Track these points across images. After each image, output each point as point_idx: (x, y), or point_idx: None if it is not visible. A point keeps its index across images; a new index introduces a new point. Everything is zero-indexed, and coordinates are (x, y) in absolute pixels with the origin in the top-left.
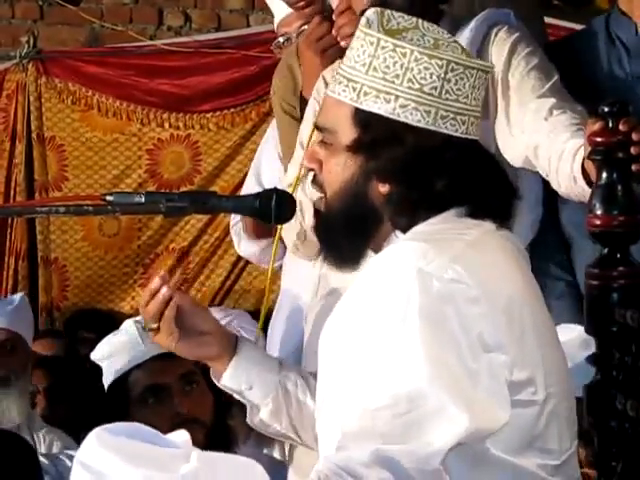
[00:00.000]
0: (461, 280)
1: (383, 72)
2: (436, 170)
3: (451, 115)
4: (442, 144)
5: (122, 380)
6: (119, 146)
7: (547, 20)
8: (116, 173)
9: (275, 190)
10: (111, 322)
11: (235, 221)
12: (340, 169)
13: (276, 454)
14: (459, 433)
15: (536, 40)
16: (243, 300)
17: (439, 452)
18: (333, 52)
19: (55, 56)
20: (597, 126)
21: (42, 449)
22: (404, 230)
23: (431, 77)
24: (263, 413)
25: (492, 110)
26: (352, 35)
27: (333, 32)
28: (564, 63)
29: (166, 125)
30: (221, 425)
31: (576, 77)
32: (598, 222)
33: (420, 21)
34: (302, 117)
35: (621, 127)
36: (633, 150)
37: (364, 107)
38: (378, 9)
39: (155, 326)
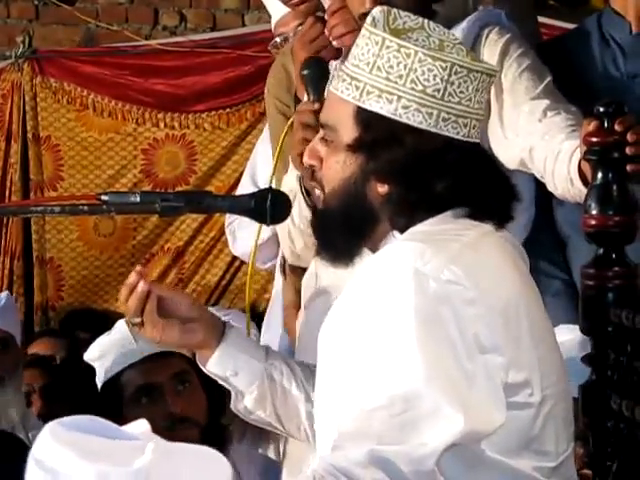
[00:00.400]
0: (458, 281)
1: (387, 72)
2: (436, 172)
3: (453, 118)
4: (443, 146)
5: (115, 380)
6: (114, 146)
7: (543, 20)
8: (111, 173)
9: (270, 190)
10: (106, 322)
11: (230, 220)
12: (340, 167)
13: (271, 454)
14: (454, 434)
15: (530, 40)
16: (239, 300)
17: (434, 453)
18: (326, 53)
19: (50, 56)
20: (592, 126)
21: None
22: (402, 230)
23: (434, 79)
24: (247, 400)
25: (485, 112)
26: (344, 35)
27: (326, 32)
28: (557, 64)
29: (161, 125)
30: (215, 424)
31: (570, 78)
32: (593, 222)
33: (426, 21)
34: None
35: (617, 127)
36: (628, 150)
37: (366, 106)
38: (385, 8)
39: (138, 320)
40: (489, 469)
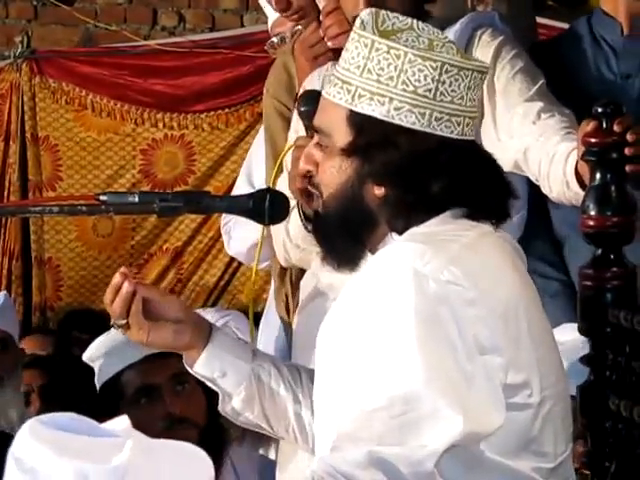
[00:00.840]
0: (457, 282)
1: (377, 74)
2: (431, 172)
3: (446, 117)
4: (437, 146)
5: (114, 380)
6: (113, 146)
7: (542, 21)
8: (110, 173)
9: (268, 190)
10: (105, 322)
11: (226, 220)
12: (335, 172)
13: (271, 455)
14: (453, 435)
15: (527, 34)
16: (237, 300)
17: (433, 454)
18: (324, 59)
19: (49, 56)
20: (591, 127)
21: None
22: (400, 232)
23: (425, 79)
24: (235, 401)
25: (478, 110)
26: (339, 36)
27: (320, 32)
28: (549, 67)
29: (160, 125)
30: (214, 425)
31: (563, 81)
32: (592, 223)
33: (415, 22)
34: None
35: (615, 128)
36: (627, 151)
37: (359, 110)
38: (373, 10)
39: (124, 322)
40: (488, 470)
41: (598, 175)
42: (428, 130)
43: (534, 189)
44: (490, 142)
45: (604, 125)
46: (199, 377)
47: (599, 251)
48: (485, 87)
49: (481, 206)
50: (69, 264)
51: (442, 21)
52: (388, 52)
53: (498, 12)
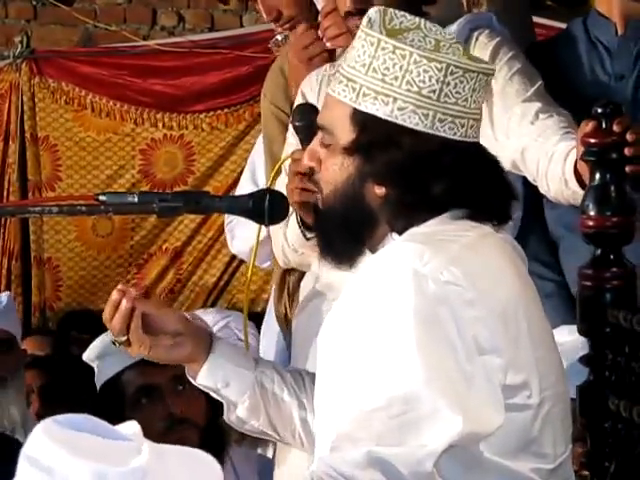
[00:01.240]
0: (457, 282)
1: (382, 74)
2: (433, 173)
3: (449, 118)
4: (439, 148)
5: (114, 381)
6: (112, 146)
7: (540, 21)
8: (109, 173)
9: (268, 190)
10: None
11: (230, 219)
12: (337, 169)
13: (269, 454)
14: (453, 436)
15: (525, 40)
16: (236, 300)
17: (432, 454)
18: (319, 60)
19: (49, 56)
20: (590, 127)
21: None
22: (400, 232)
23: (430, 80)
24: (240, 410)
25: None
26: (338, 37)
27: (319, 33)
28: (545, 68)
29: (160, 125)
30: (214, 425)
31: (559, 82)
32: (591, 223)
33: (423, 21)
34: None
35: (615, 128)
36: (627, 151)
37: (362, 108)
38: (381, 8)
39: (124, 339)
40: (487, 471)
41: (597, 175)
42: (431, 131)
43: (529, 189)
44: (487, 142)
45: (603, 125)
46: (202, 388)
47: (598, 251)
48: None
49: (482, 207)
50: (68, 264)
51: (439, 22)
52: (394, 52)
53: (495, 13)
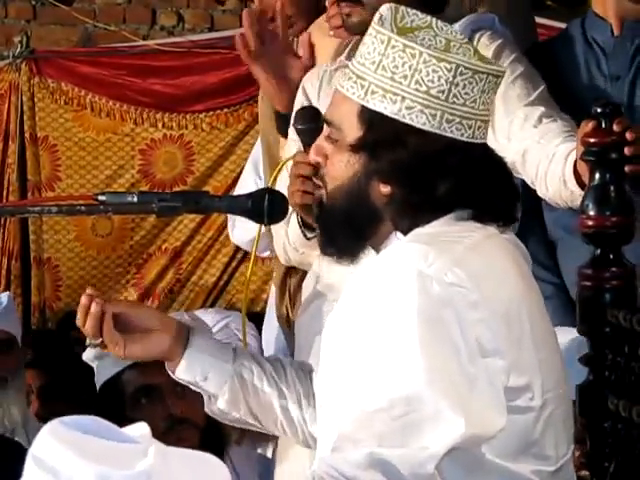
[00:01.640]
0: (461, 284)
1: (392, 72)
2: (439, 174)
3: (457, 119)
4: (446, 148)
5: (114, 381)
6: (112, 146)
7: (541, 21)
8: (109, 173)
9: (268, 190)
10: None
11: None
12: (343, 166)
13: (269, 454)
14: (455, 438)
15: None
16: (236, 300)
17: (434, 456)
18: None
19: (48, 56)
20: (590, 126)
21: None
22: (405, 231)
23: (439, 80)
24: (220, 402)
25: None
26: (340, 27)
27: (324, 21)
28: (544, 69)
29: (159, 125)
30: (214, 426)
31: (556, 82)
32: (591, 223)
33: (434, 20)
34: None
35: (615, 127)
36: (627, 151)
37: (370, 106)
38: (393, 5)
39: (99, 341)
40: (489, 473)
41: (597, 175)
42: (438, 131)
43: (528, 191)
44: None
45: (603, 125)
46: (182, 382)
47: (598, 251)
48: None
49: (488, 208)
50: (68, 264)
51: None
52: (404, 50)
53: (497, 14)
